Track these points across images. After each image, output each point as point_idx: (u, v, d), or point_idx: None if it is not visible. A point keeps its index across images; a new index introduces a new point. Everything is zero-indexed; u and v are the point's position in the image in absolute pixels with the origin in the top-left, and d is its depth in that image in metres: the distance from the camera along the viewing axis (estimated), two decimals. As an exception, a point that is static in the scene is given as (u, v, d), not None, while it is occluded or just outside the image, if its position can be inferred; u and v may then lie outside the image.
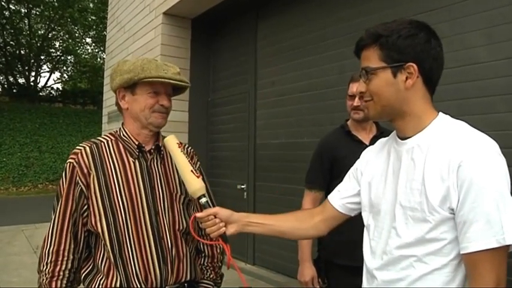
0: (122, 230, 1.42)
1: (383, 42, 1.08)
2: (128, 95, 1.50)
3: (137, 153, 1.51)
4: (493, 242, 0.93)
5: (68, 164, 1.46)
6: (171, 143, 1.43)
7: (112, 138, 1.54)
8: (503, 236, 0.92)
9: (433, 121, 1.09)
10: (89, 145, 1.50)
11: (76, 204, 1.43)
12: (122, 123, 1.58)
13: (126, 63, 1.49)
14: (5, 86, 20.34)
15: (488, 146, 0.99)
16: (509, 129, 2.59)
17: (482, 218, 0.94)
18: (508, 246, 0.93)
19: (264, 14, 5.00)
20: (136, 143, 1.51)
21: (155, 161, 1.54)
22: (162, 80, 1.43)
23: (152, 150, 1.54)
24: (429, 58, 1.07)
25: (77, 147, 1.50)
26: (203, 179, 1.42)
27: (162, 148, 1.57)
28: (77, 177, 1.43)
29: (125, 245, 1.41)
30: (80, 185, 1.43)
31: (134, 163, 1.49)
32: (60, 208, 1.43)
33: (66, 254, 1.41)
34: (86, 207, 1.44)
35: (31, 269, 5.02)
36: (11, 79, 20.46)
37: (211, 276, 1.67)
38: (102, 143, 1.51)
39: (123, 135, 1.53)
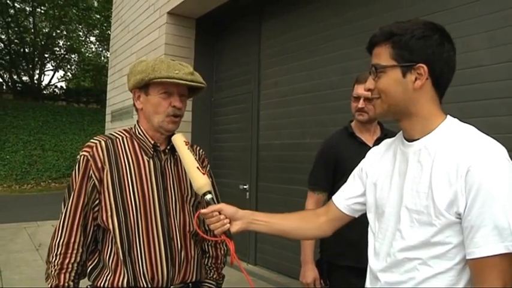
0: (133, 228, 1.41)
1: (395, 41, 1.07)
2: (142, 95, 1.50)
3: (152, 153, 1.51)
4: (501, 248, 0.91)
5: (82, 156, 1.44)
6: (178, 141, 1.44)
7: (127, 135, 1.54)
8: None
9: (441, 124, 1.09)
10: (104, 140, 1.49)
11: (88, 198, 1.43)
12: (137, 121, 1.57)
13: (140, 64, 1.49)
14: (9, 83, 20.44)
15: (497, 151, 0.98)
16: (510, 132, 2.59)
17: (490, 223, 0.92)
18: None
19: (268, 15, 5.01)
20: (152, 142, 1.51)
21: (169, 161, 1.54)
22: (172, 80, 1.42)
23: (167, 151, 1.54)
24: (441, 61, 1.07)
25: (92, 140, 1.49)
26: (212, 182, 1.41)
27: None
28: (91, 171, 1.43)
29: (135, 244, 1.41)
30: (93, 179, 1.42)
31: (149, 162, 1.49)
32: (72, 201, 1.42)
33: (76, 246, 1.41)
34: (97, 201, 1.44)
35: (33, 267, 5.05)
36: (15, 77, 20.57)
37: (214, 276, 1.68)
38: (117, 139, 1.50)
39: (139, 133, 1.52)
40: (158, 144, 1.52)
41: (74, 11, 19.86)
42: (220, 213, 1.30)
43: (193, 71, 1.50)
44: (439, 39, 1.07)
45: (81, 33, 22.38)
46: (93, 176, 1.43)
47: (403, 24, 1.09)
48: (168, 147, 1.54)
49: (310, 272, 2.15)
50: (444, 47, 1.07)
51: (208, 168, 1.67)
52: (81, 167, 1.43)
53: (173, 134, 1.58)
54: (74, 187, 1.43)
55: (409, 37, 1.06)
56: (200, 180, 1.35)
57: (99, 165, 1.43)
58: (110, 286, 1.42)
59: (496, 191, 0.93)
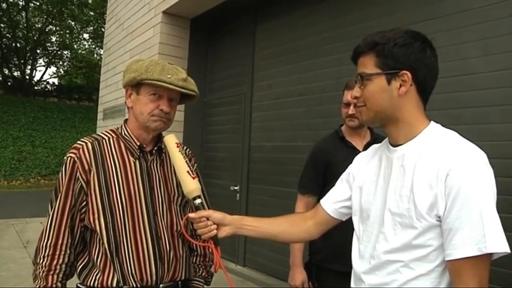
0: (120, 229, 1.42)
1: (379, 50, 1.11)
2: (134, 94, 1.50)
3: (138, 154, 1.51)
4: (474, 249, 0.94)
5: (69, 158, 1.44)
6: (170, 142, 1.44)
7: (113, 135, 1.54)
8: (485, 244, 0.94)
9: (425, 129, 1.12)
10: (91, 141, 1.49)
11: (75, 200, 1.43)
12: (124, 121, 1.58)
13: (136, 63, 1.49)
14: (0, 78, 20.23)
15: (476, 156, 1.01)
16: (502, 139, 2.62)
17: (467, 226, 0.96)
18: (490, 254, 0.95)
19: (263, 17, 5.02)
20: (138, 143, 1.51)
21: (155, 162, 1.54)
22: (162, 84, 1.41)
23: (154, 151, 1.55)
24: (424, 67, 1.10)
25: (78, 142, 1.49)
26: (199, 181, 1.42)
27: (163, 150, 1.57)
28: (78, 173, 1.43)
29: (122, 244, 1.42)
30: (80, 181, 1.43)
31: (135, 163, 1.49)
32: (59, 203, 1.42)
33: (63, 248, 1.41)
34: (84, 203, 1.44)
35: (20, 264, 5.00)
36: (6, 72, 20.36)
37: (203, 274, 1.70)
38: (104, 140, 1.51)
39: (125, 134, 1.53)
40: (144, 146, 1.53)
41: (68, 6, 19.75)
42: (208, 219, 1.32)
43: (187, 77, 1.49)
44: (421, 46, 1.10)
45: (74, 30, 22.23)
46: (79, 177, 1.43)
47: (385, 33, 1.13)
48: (155, 148, 1.55)
49: (298, 275, 2.16)
50: (426, 53, 1.11)
51: (195, 168, 1.67)
52: (68, 169, 1.43)
53: (161, 134, 1.59)
54: (61, 189, 1.43)
55: (392, 45, 1.09)
56: (190, 185, 1.36)
57: (86, 167, 1.43)
58: (99, 286, 1.42)
59: (473, 194, 0.96)
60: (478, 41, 2.82)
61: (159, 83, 1.41)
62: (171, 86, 1.42)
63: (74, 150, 1.46)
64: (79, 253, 1.49)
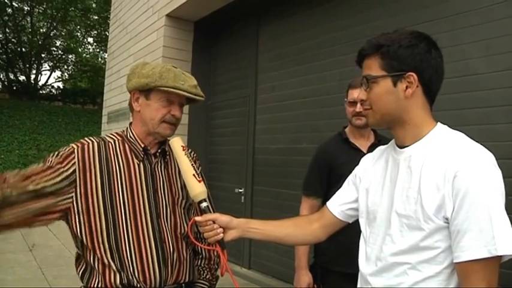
0: (122, 231, 1.41)
1: (384, 52, 1.10)
2: (142, 98, 1.50)
3: (142, 156, 1.51)
4: (484, 252, 0.93)
5: (71, 147, 1.42)
6: (176, 145, 1.44)
7: (119, 138, 1.54)
8: (495, 246, 0.92)
9: (431, 131, 1.11)
10: (97, 141, 1.49)
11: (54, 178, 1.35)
12: (130, 124, 1.58)
13: (145, 67, 1.49)
14: (5, 83, 20.36)
15: (484, 157, 1.00)
16: (506, 140, 2.61)
17: (475, 227, 0.95)
18: (500, 256, 0.94)
19: (266, 19, 5.03)
20: (142, 145, 1.52)
21: (159, 164, 1.55)
22: (178, 91, 1.44)
23: (158, 154, 1.55)
24: (429, 68, 1.09)
25: (85, 138, 1.49)
26: (205, 184, 1.42)
27: (167, 152, 1.57)
28: (72, 163, 1.39)
29: (124, 246, 1.41)
30: (75, 173, 1.38)
31: (139, 165, 1.49)
32: (46, 162, 1.37)
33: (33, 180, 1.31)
34: (68, 195, 1.38)
35: (26, 267, 5.02)
36: (12, 76, 20.49)
37: (207, 277, 1.69)
38: (110, 143, 1.51)
39: (130, 136, 1.53)
40: (149, 148, 1.53)
41: (72, 10, 19.88)
42: (214, 223, 1.32)
43: (196, 83, 1.51)
44: (426, 47, 1.09)
45: (79, 34, 22.36)
46: (73, 168, 1.39)
47: (389, 35, 1.12)
48: (159, 151, 1.55)
49: (304, 277, 2.16)
50: (431, 54, 1.10)
51: (200, 170, 1.67)
52: (64, 153, 1.41)
53: (166, 138, 1.59)
54: (48, 160, 1.39)
55: (396, 47, 1.09)
56: (196, 189, 1.37)
57: (87, 165, 1.42)
58: (103, 286, 1.41)
59: (481, 196, 0.95)
60: (480, 42, 2.81)
61: (175, 90, 1.43)
62: (186, 94, 1.45)
63: (79, 144, 1.45)
64: (76, 260, 1.49)
